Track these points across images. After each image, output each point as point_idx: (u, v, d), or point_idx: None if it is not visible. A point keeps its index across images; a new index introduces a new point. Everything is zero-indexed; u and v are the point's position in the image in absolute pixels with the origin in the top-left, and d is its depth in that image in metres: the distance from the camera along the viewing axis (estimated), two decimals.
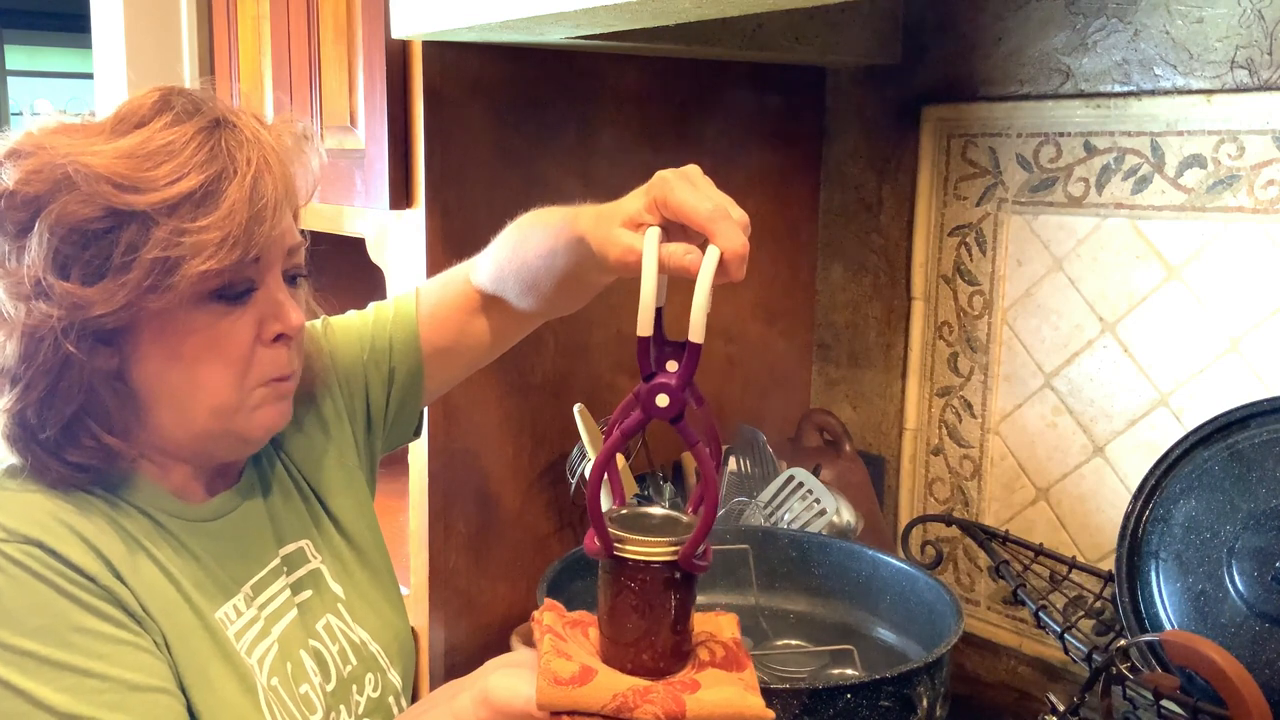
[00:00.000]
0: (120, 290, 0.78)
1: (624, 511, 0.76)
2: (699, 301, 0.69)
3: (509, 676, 0.75)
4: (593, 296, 1.03)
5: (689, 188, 0.75)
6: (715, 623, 0.79)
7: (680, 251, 0.73)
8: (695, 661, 0.74)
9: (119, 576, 0.80)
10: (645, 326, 0.70)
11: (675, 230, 0.76)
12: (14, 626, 0.75)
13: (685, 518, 0.75)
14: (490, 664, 0.79)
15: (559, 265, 0.94)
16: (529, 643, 1.44)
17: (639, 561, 0.71)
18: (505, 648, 1.46)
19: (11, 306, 0.79)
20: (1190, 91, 1.25)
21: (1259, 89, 1.20)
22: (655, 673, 0.72)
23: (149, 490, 0.86)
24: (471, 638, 1.46)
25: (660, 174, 0.77)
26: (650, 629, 0.72)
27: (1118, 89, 1.32)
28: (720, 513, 1.43)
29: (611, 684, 0.70)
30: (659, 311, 0.72)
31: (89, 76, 1.99)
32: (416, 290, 1.11)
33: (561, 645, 0.74)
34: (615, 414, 0.77)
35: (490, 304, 1.08)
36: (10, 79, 6.26)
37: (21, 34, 6.25)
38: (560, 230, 0.91)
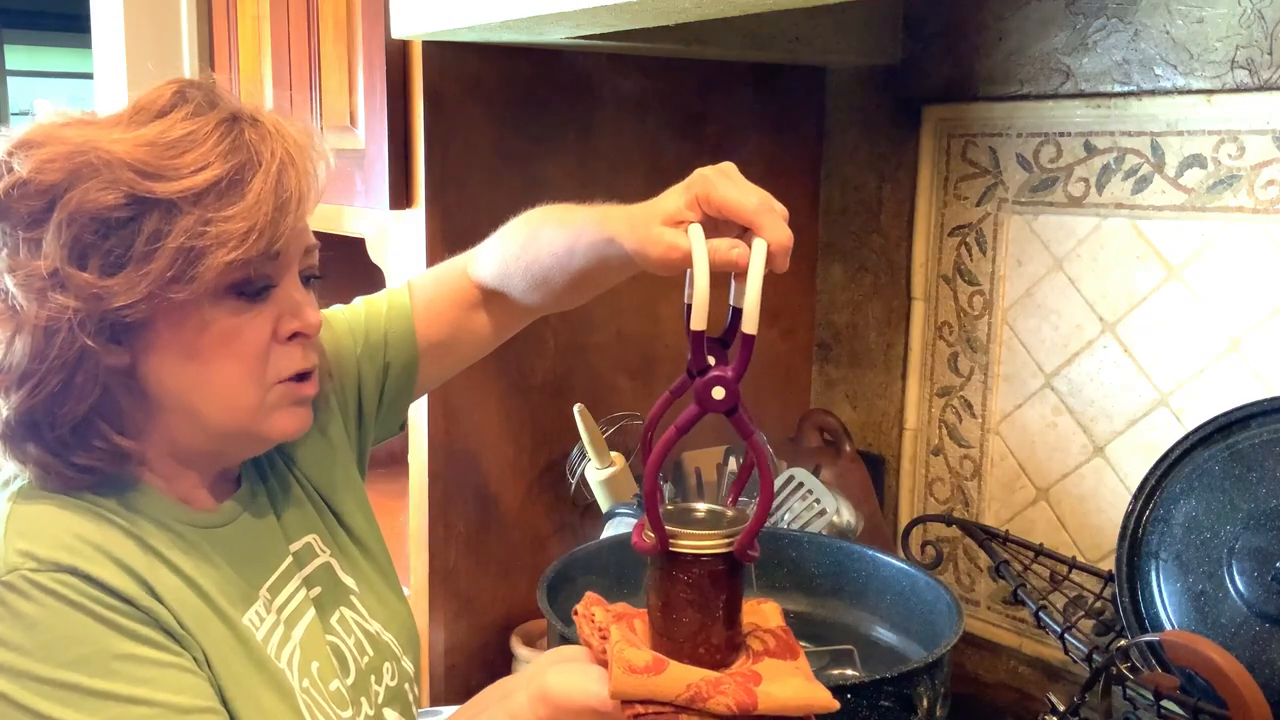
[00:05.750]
0: (142, 280, 0.76)
1: (669, 507, 0.76)
2: (752, 293, 0.71)
3: (568, 672, 0.74)
4: (602, 292, 1.03)
5: (730, 183, 0.76)
6: (759, 612, 0.79)
7: (726, 246, 0.74)
8: (749, 652, 0.74)
9: (155, 595, 0.79)
10: (700, 321, 0.71)
11: (710, 226, 0.77)
12: (54, 659, 0.73)
13: (729, 511, 0.76)
14: (541, 661, 0.78)
15: (576, 265, 0.94)
16: (529, 643, 1.44)
17: (694, 555, 0.72)
18: (505, 648, 1.46)
19: (23, 300, 0.77)
20: (1190, 91, 1.25)
21: (1259, 89, 1.20)
22: (712, 665, 0.72)
23: (157, 500, 0.85)
24: (471, 637, 1.46)
25: (699, 171, 0.78)
26: (705, 622, 0.72)
27: (1118, 89, 1.32)
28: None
29: (684, 674, 0.70)
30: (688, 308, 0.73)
31: (89, 76, 1.99)
32: (409, 284, 1.10)
33: (630, 635, 0.74)
34: (654, 411, 0.77)
35: (490, 298, 1.07)
36: (10, 79, 6.26)
37: (21, 34, 6.25)
38: (581, 230, 0.91)
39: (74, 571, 0.75)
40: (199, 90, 0.83)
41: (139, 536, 0.81)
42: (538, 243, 0.98)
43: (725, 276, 0.75)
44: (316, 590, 0.95)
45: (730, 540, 0.72)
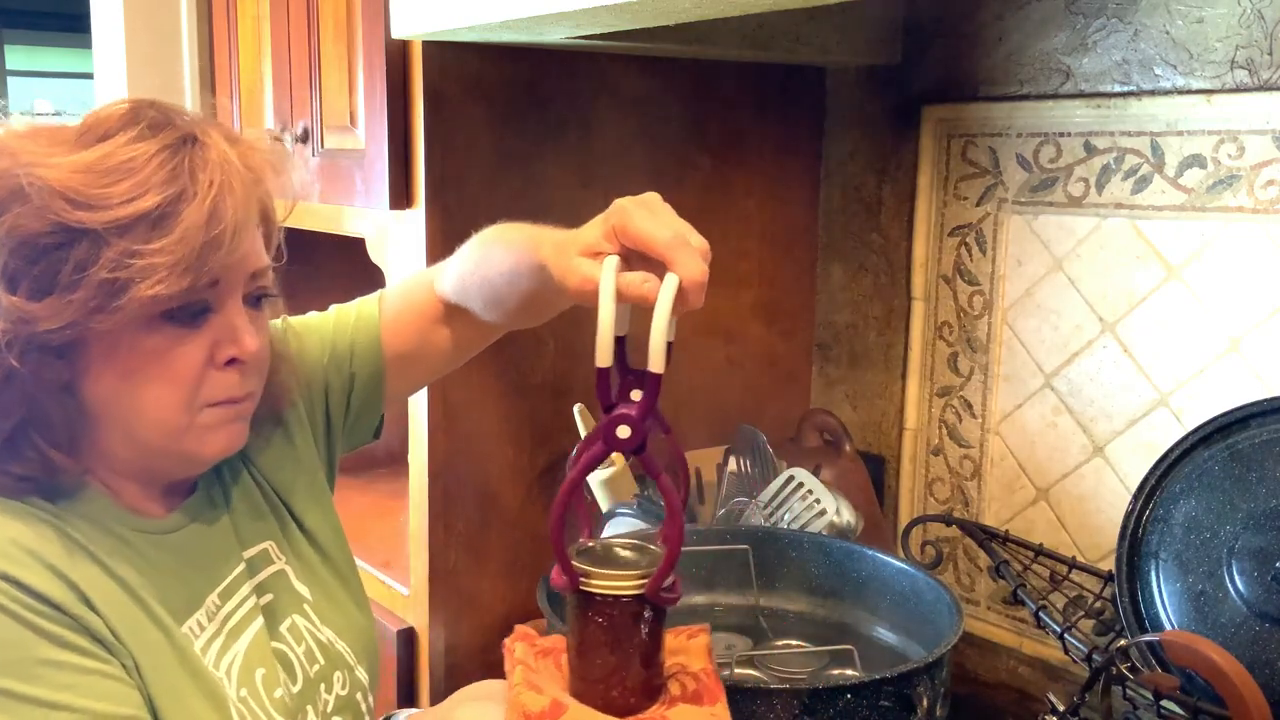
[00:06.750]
0: (67, 308, 0.76)
1: (591, 545, 0.74)
2: (657, 330, 0.68)
3: (476, 710, 0.74)
4: (557, 313, 1.03)
5: (648, 215, 0.74)
6: (687, 648, 0.77)
7: (638, 280, 0.72)
8: (666, 697, 0.73)
9: (87, 602, 0.79)
10: (604, 357, 0.69)
11: (635, 259, 0.75)
12: None
13: (655, 548, 0.74)
14: (457, 696, 0.78)
15: (522, 286, 0.94)
16: None
17: (606, 595, 0.70)
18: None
19: None
20: (1190, 91, 1.25)
21: (1259, 89, 1.20)
22: (625, 709, 0.70)
23: (103, 506, 0.85)
24: (471, 637, 1.47)
25: (619, 202, 0.77)
26: (619, 665, 0.71)
27: (1118, 89, 1.32)
28: (720, 512, 1.44)
29: None
30: (621, 340, 0.71)
31: (89, 76, 1.99)
32: (380, 295, 1.11)
33: (533, 677, 0.73)
34: (580, 446, 0.75)
35: (454, 313, 1.08)
36: (10, 79, 6.27)
37: (21, 34, 6.26)
38: (522, 254, 0.91)
39: (4, 577, 0.76)
40: (153, 110, 0.82)
41: (79, 543, 0.81)
42: (489, 262, 0.98)
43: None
44: (268, 597, 0.95)
45: (643, 582, 0.70)
